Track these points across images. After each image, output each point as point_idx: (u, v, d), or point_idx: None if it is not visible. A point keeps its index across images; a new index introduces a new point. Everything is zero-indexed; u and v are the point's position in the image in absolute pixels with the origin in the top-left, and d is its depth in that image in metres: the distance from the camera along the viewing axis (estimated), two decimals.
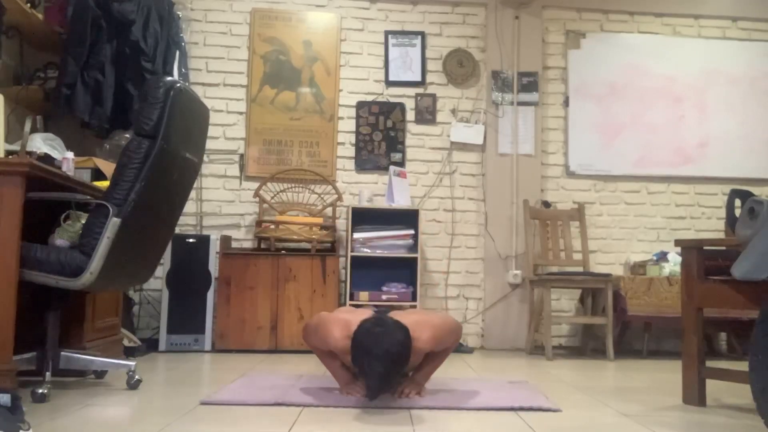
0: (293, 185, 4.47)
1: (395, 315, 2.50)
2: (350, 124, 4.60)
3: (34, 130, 3.21)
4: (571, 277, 4.15)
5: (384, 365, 2.19)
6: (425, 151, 4.64)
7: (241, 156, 4.50)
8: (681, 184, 4.76)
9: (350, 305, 4.01)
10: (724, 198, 3.61)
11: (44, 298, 2.48)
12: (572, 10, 4.80)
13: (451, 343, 2.62)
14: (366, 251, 4.18)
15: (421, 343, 2.40)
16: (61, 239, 2.45)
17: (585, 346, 4.42)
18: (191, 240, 4.07)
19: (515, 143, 4.60)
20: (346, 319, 2.45)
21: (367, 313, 2.48)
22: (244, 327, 3.97)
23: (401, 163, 4.58)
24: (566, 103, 4.74)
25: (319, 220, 4.29)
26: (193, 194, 4.29)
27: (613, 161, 4.71)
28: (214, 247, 4.10)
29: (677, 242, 2.73)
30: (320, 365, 3.17)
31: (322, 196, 4.48)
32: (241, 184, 4.49)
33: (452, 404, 2.39)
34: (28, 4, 3.42)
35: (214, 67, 4.54)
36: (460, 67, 4.68)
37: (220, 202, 4.46)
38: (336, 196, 4.42)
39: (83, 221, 2.44)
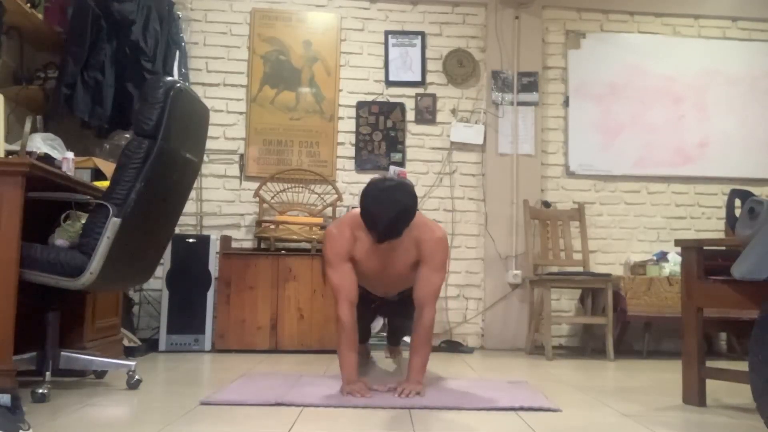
0: (293, 185, 4.47)
1: None
2: (350, 124, 4.60)
3: (34, 130, 3.21)
4: (571, 277, 4.15)
5: (394, 210, 2.31)
6: (425, 151, 4.64)
7: (241, 156, 4.50)
8: (681, 184, 4.75)
9: None
10: (724, 198, 3.61)
11: (44, 298, 2.48)
12: (572, 10, 4.80)
13: (439, 278, 2.65)
14: None
15: (429, 233, 2.55)
16: (61, 239, 2.45)
17: (585, 346, 4.42)
18: (191, 240, 4.07)
19: (515, 143, 4.60)
20: (339, 219, 2.65)
21: None
22: (244, 327, 3.97)
23: (401, 163, 4.58)
24: (566, 103, 4.74)
25: (319, 220, 4.29)
26: (193, 194, 4.28)
27: (613, 161, 4.71)
28: (214, 247, 4.10)
29: (677, 242, 2.73)
30: (320, 365, 3.18)
31: (322, 196, 4.48)
32: (241, 184, 4.49)
33: (452, 404, 2.39)
34: (28, 4, 3.42)
35: (214, 67, 4.54)
36: (460, 67, 4.68)
37: (220, 202, 4.46)
38: (336, 196, 4.42)
39: (83, 221, 2.44)
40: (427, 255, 2.60)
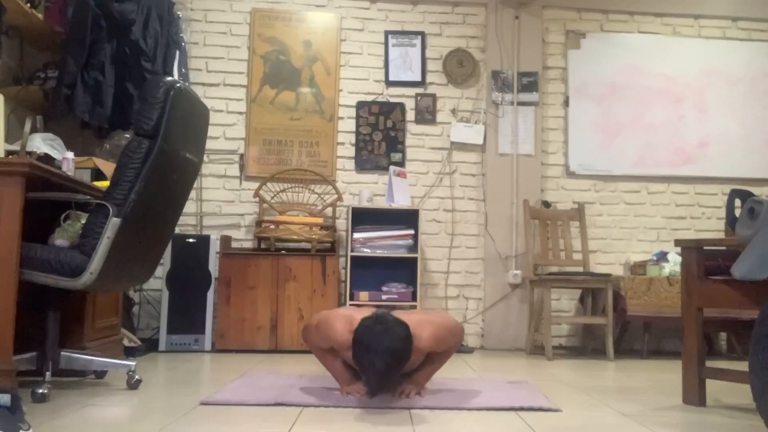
0: (293, 185, 4.47)
1: (397, 314, 2.50)
2: (350, 124, 4.60)
3: (34, 130, 3.21)
4: (571, 277, 4.15)
5: (385, 362, 2.20)
6: (425, 151, 4.64)
7: (241, 156, 4.50)
8: (681, 184, 4.76)
9: (351, 305, 4.02)
10: (724, 198, 3.61)
11: (44, 298, 2.48)
12: (572, 10, 4.80)
13: (452, 345, 2.61)
14: (366, 251, 4.18)
15: (422, 342, 2.41)
16: (61, 239, 2.45)
17: (585, 346, 4.42)
18: (191, 240, 4.07)
19: (515, 143, 4.60)
20: (348, 315, 2.48)
21: (368, 312, 2.47)
22: (244, 327, 3.97)
23: (401, 163, 4.58)
24: (566, 103, 4.74)
25: (319, 220, 4.29)
26: (193, 194, 4.28)
27: (613, 161, 4.71)
28: (214, 247, 4.10)
29: (677, 242, 2.73)
30: (320, 365, 3.18)
31: (322, 196, 4.48)
32: (241, 184, 4.48)
33: (452, 404, 2.39)
34: (28, 4, 3.42)
35: (214, 67, 4.54)
36: (460, 67, 4.68)
37: (220, 202, 4.46)
38: (336, 196, 4.42)
39: (83, 221, 2.44)
40: (430, 351, 2.50)
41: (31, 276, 2.31)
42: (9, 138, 3.16)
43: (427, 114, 4.65)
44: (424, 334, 2.42)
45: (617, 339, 4.24)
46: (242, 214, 4.47)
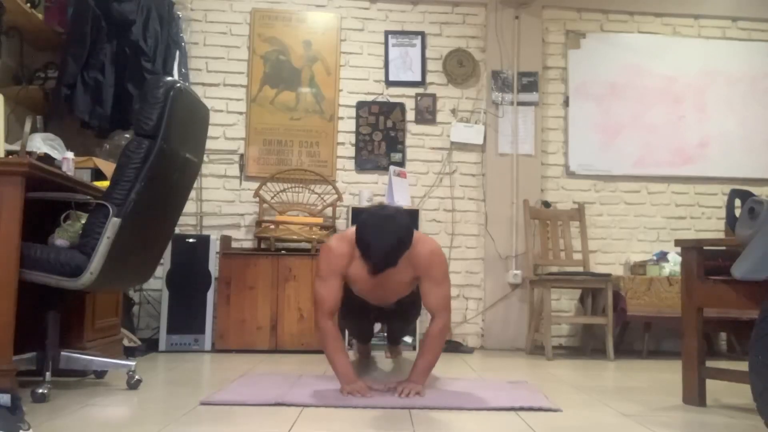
0: (293, 185, 4.47)
1: None
2: (350, 124, 4.60)
3: (34, 130, 3.22)
4: (571, 277, 4.15)
5: (390, 240, 2.32)
6: (425, 151, 4.64)
7: (241, 156, 4.50)
8: (681, 184, 4.75)
9: None
10: (724, 198, 3.61)
11: (44, 298, 2.48)
12: (572, 10, 4.80)
13: (440, 276, 2.63)
14: None
15: (418, 247, 2.52)
16: (61, 239, 2.45)
17: (585, 346, 4.42)
18: (191, 240, 4.07)
19: (515, 143, 4.60)
20: (340, 234, 2.68)
21: None
22: (244, 327, 3.97)
23: (401, 163, 4.58)
24: (566, 103, 4.74)
25: (319, 220, 4.29)
26: (193, 194, 4.28)
27: (613, 161, 4.71)
28: (214, 247, 4.10)
29: (677, 242, 2.73)
30: (320, 365, 3.18)
31: (322, 196, 4.48)
32: (241, 184, 4.48)
33: (452, 404, 2.39)
34: (28, 4, 3.43)
35: (214, 67, 4.54)
36: (460, 67, 4.68)
37: (220, 202, 4.46)
38: (336, 196, 4.42)
39: (83, 221, 2.44)
40: (423, 270, 2.59)
41: (31, 276, 2.31)
42: (9, 138, 3.16)
43: (427, 114, 4.65)
44: (422, 242, 2.57)
45: (617, 339, 4.24)
46: (242, 214, 4.47)
